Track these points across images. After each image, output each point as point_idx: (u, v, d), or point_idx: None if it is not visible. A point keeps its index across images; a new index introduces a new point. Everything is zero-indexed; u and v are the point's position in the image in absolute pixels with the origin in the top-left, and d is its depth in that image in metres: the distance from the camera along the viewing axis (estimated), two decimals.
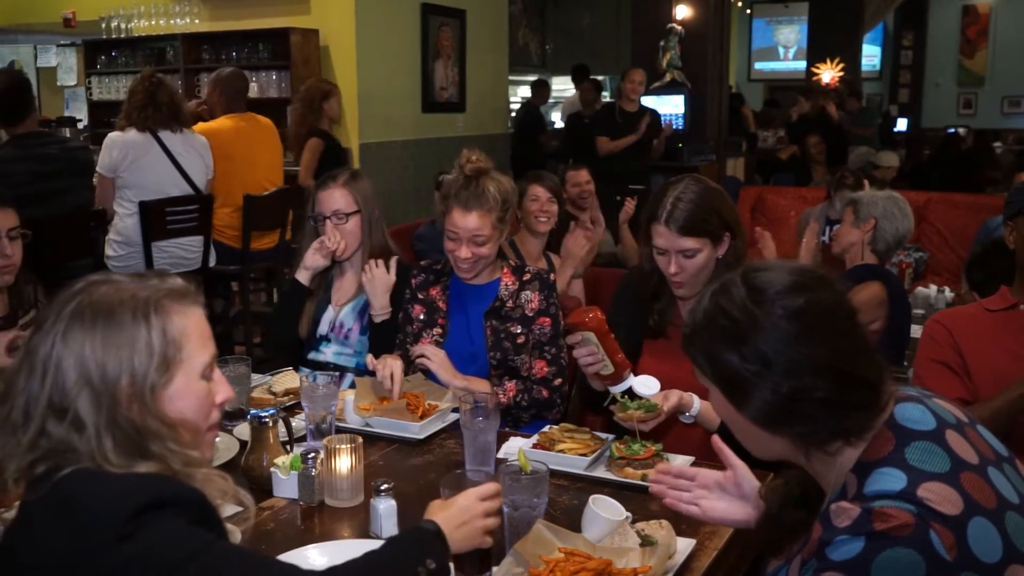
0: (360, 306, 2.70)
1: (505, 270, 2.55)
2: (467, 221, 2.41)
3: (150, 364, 1.17)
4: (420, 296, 2.60)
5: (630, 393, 2.03)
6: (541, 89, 9.41)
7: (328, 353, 2.71)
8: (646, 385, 2.02)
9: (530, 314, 2.49)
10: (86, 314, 1.17)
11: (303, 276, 2.71)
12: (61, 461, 1.15)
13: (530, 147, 8.47)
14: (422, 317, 2.56)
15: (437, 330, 2.54)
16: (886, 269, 3.33)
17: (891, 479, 1.13)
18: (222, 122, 4.95)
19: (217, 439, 1.40)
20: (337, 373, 2.26)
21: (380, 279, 2.62)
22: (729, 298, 1.23)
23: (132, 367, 1.16)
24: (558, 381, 2.45)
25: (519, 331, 2.47)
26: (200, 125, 4.92)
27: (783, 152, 8.76)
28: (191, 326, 1.23)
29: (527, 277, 2.53)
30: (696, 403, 2.08)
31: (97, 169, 4.34)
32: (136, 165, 4.29)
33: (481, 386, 2.37)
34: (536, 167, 7.22)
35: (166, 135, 4.35)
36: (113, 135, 4.37)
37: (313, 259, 2.69)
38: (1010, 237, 2.19)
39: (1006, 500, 1.14)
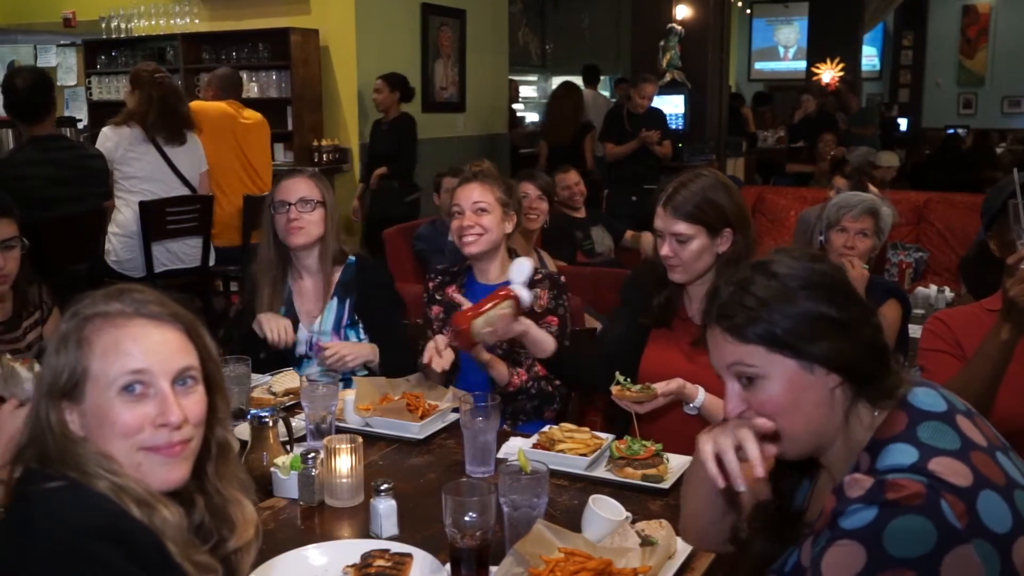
0: (334, 319, 2.67)
1: None
2: (467, 190, 2.54)
3: (59, 380, 1.20)
4: (438, 297, 2.64)
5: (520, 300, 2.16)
6: (513, 85, 9.42)
7: (313, 372, 2.67)
8: (519, 268, 2.16)
9: (538, 311, 2.50)
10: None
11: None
12: (46, 465, 1.18)
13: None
14: (441, 315, 2.59)
15: None
16: (900, 287, 3.36)
17: (903, 454, 1.16)
18: (214, 103, 5.04)
19: None
20: (337, 375, 2.25)
21: (350, 351, 2.55)
22: (810, 262, 1.27)
23: (49, 378, 1.21)
24: (559, 380, 2.47)
25: None
26: (195, 103, 4.98)
27: (792, 166, 8.70)
28: (112, 345, 1.20)
29: (538, 277, 2.57)
30: (700, 395, 2.09)
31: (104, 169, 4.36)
32: (129, 157, 4.35)
33: (501, 365, 2.42)
34: (514, 163, 7.25)
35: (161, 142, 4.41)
36: (106, 128, 4.41)
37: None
38: (993, 245, 2.23)
39: (1014, 480, 1.17)
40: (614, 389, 2.05)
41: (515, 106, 9.38)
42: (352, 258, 2.73)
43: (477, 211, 2.51)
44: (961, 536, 1.08)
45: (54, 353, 1.21)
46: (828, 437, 1.26)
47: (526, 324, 2.24)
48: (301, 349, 2.67)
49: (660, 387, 2.03)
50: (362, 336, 2.69)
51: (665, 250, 2.18)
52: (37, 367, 2.19)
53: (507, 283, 2.24)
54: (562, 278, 2.61)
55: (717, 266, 2.20)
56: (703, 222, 2.15)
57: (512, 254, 2.66)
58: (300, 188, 2.63)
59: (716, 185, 2.20)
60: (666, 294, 2.28)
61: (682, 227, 2.16)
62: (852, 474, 1.18)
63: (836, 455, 1.27)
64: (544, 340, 2.28)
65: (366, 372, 2.70)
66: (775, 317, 1.22)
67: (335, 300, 2.68)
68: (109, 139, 4.36)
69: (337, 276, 2.70)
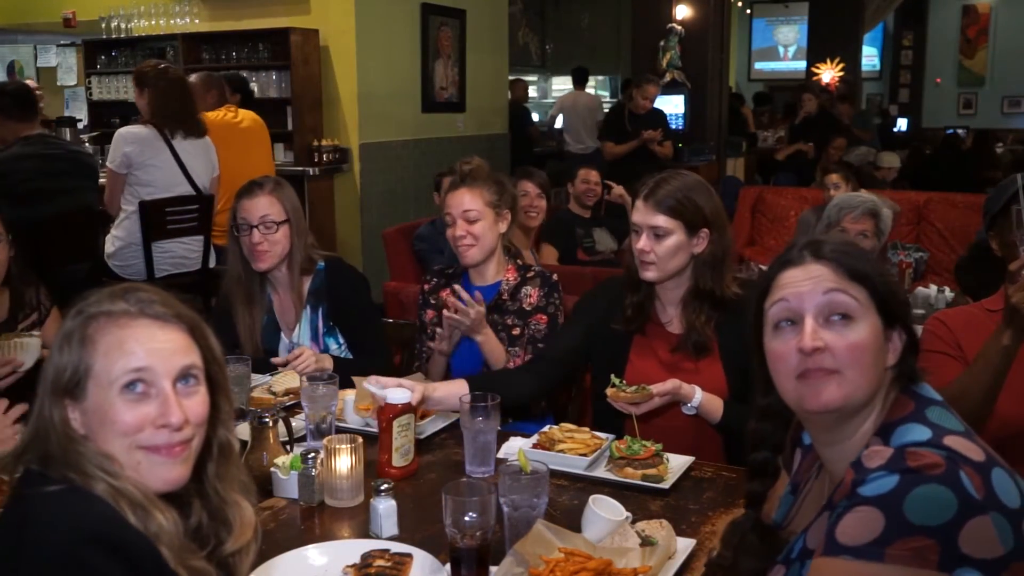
0: (310, 329, 2.66)
1: (510, 267, 2.62)
2: (456, 197, 2.53)
3: (62, 378, 1.20)
4: (432, 301, 2.65)
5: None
6: (518, 85, 9.51)
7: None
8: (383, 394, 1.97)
9: (527, 308, 2.55)
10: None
11: None
12: (47, 464, 1.18)
13: (520, 142, 8.58)
14: (435, 319, 2.61)
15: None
16: (899, 286, 3.36)
17: (916, 432, 1.19)
18: (217, 113, 5.01)
19: None
20: (336, 375, 2.25)
21: (308, 361, 2.47)
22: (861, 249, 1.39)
23: (53, 375, 1.21)
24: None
25: (514, 323, 2.54)
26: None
27: (780, 152, 8.74)
28: (115, 344, 1.20)
29: (530, 275, 2.60)
30: (698, 394, 2.09)
31: (107, 164, 4.32)
32: (148, 164, 4.28)
33: (498, 346, 2.47)
34: (528, 161, 7.28)
35: (178, 140, 4.36)
36: (127, 130, 4.32)
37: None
38: (994, 244, 2.23)
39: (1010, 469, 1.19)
40: (609, 391, 2.05)
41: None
42: (322, 264, 2.68)
43: (468, 220, 2.51)
44: (980, 507, 1.09)
45: (58, 350, 1.21)
46: (867, 406, 1.27)
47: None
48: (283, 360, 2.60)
49: (656, 388, 2.03)
50: (341, 342, 2.68)
51: (642, 243, 2.17)
52: (36, 333, 2.31)
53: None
54: (554, 276, 2.62)
55: (692, 268, 2.20)
56: (682, 218, 2.16)
57: (507, 251, 2.66)
58: (261, 206, 2.55)
59: (697, 184, 2.21)
60: (639, 297, 2.26)
61: (661, 220, 2.15)
62: (870, 448, 1.19)
63: (851, 446, 1.27)
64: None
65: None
66: (880, 277, 1.30)
67: (308, 309, 2.66)
68: (130, 143, 4.23)
69: (307, 285, 2.66)
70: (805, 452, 1.43)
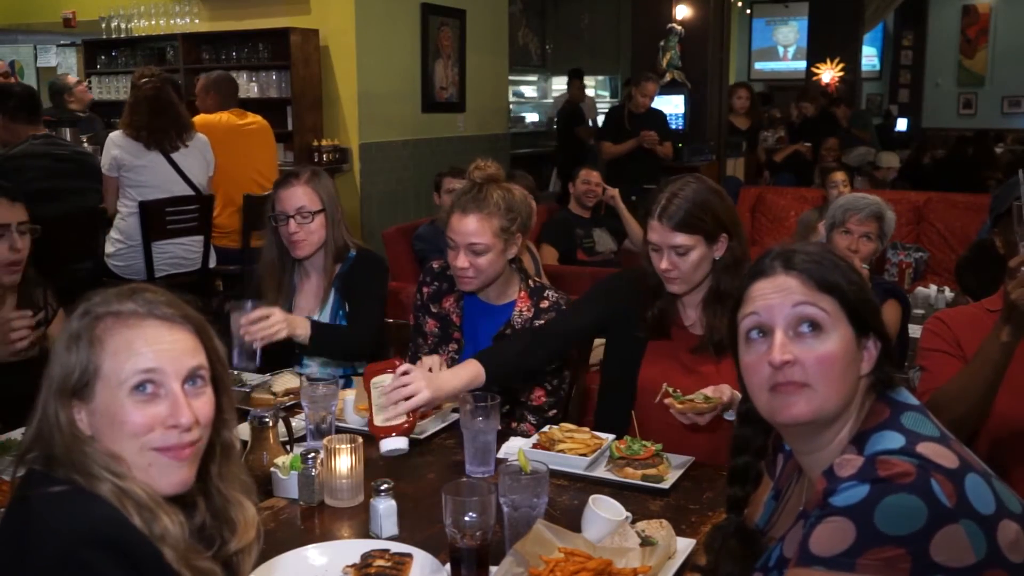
0: (332, 313, 2.66)
1: (522, 293, 2.47)
2: (463, 224, 2.32)
3: (69, 378, 1.20)
4: (433, 309, 2.53)
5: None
6: (575, 85, 9.55)
7: (313, 367, 2.65)
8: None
9: None
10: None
11: None
12: (51, 465, 1.18)
13: (572, 140, 8.65)
14: (436, 331, 2.52)
15: (453, 345, 2.50)
16: (900, 287, 3.36)
17: (890, 440, 1.18)
18: (219, 116, 5.00)
19: None
20: (336, 375, 2.26)
21: (276, 326, 2.37)
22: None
23: (60, 376, 1.20)
24: (552, 412, 2.43)
25: None
26: (199, 117, 4.94)
27: (779, 154, 8.73)
28: (124, 344, 1.20)
29: (544, 305, 2.45)
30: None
31: (100, 167, 4.36)
32: (137, 165, 4.32)
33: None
34: (580, 159, 7.33)
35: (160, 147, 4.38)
36: (114, 134, 4.39)
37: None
38: (999, 242, 2.22)
39: (990, 472, 1.18)
40: (677, 404, 1.95)
41: (513, 106, 9.48)
42: (353, 252, 2.71)
43: (473, 252, 2.33)
44: (951, 515, 1.08)
45: (64, 350, 1.21)
46: (841, 415, 1.26)
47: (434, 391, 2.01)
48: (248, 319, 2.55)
49: (710, 392, 1.97)
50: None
51: (664, 264, 2.12)
52: None
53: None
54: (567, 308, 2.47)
55: (714, 272, 2.16)
56: (701, 230, 2.11)
57: (513, 264, 2.54)
58: (297, 197, 2.59)
59: (709, 191, 2.15)
60: (660, 305, 2.21)
61: (681, 238, 2.10)
62: (843, 456, 1.19)
63: (827, 455, 1.27)
64: (465, 383, 2.07)
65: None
66: (852, 286, 1.28)
67: (333, 291, 2.68)
68: (117, 146, 4.31)
69: (337, 270, 2.69)
70: (787, 458, 1.43)
